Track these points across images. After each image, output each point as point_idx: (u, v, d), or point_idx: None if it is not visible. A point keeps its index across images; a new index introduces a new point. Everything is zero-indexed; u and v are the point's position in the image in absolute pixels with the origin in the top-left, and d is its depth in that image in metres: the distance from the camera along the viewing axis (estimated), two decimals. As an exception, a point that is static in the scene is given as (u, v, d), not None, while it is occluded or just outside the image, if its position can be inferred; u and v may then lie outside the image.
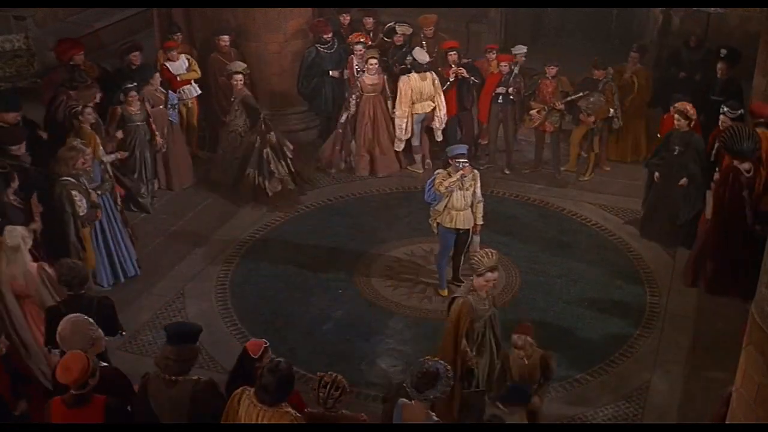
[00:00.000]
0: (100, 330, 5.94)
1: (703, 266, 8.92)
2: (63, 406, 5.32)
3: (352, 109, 11.21)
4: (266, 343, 5.90)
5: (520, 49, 11.23)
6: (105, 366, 5.91)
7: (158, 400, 5.43)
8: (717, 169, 9.00)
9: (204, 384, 5.43)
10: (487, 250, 6.95)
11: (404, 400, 5.42)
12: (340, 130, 11.46)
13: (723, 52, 10.91)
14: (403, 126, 11.18)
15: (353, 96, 11.15)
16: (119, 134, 9.85)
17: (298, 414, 5.26)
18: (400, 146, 11.42)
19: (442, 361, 5.37)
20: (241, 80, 10.73)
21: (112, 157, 9.49)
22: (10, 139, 8.49)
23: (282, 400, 5.23)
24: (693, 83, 11.09)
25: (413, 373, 5.25)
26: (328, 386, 5.29)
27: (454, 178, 8.38)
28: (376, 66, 11.05)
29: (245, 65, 11.02)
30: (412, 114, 11.16)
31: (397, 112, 11.12)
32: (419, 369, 5.24)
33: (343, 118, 11.32)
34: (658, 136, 10.27)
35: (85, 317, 5.97)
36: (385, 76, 11.23)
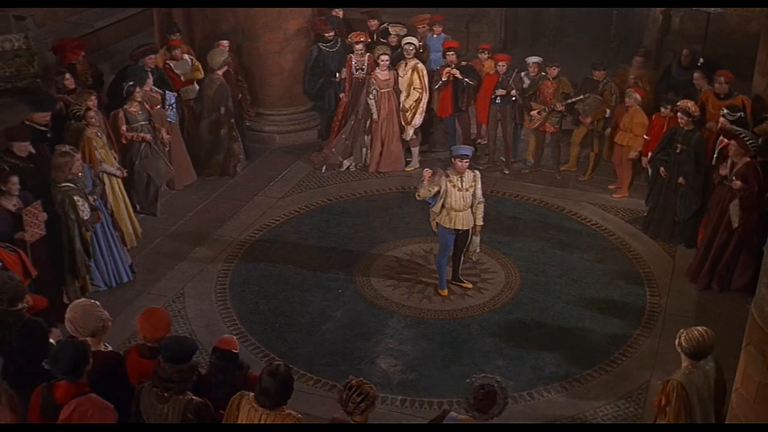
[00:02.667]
0: (106, 312, 5.94)
1: (717, 267, 8.93)
2: (137, 355, 5.83)
3: (375, 114, 11.25)
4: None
5: (533, 59, 11.22)
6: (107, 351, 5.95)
7: (148, 413, 5.36)
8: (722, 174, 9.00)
9: (196, 405, 5.29)
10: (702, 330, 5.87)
11: (455, 414, 5.38)
12: (344, 135, 11.54)
13: (701, 61, 10.75)
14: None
15: (371, 95, 11.16)
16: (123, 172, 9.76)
17: (299, 415, 5.27)
18: (409, 134, 11.48)
19: (490, 375, 5.35)
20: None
21: (111, 169, 9.42)
22: (16, 136, 8.52)
23: (283, 402, 5.23)
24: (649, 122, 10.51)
25: (474, 395, 5.18)
26: (352, 390, 5.17)
27: (424, 182, 8.47)
28: (388, 62, 11.10)
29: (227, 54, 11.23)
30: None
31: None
32: (479, 390, 5.19)
33: (368, 125, 11.37)
34: (645, 137, 10.24)
35: (93, 301, 6.01)
36: (395, 72, 11.27)
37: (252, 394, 5.28)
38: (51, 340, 6.24)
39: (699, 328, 5.87)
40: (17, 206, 7.88)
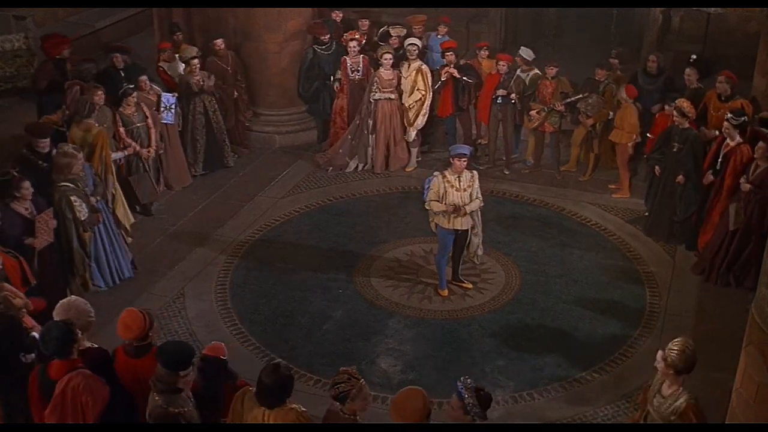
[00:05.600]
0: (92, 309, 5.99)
1: (734, 267, 8.96)
2: (125, 356, 5.78)
3: (372, 114, 11.28)
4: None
5: (526, 53, 11.22)
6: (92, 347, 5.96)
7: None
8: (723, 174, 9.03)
9: (189, 416, 5.28)
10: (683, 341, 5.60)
11: None
12: (350, 136, 11.53)
13: (693, 57, 10.65)
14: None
15: (373, 92, 11.17)
16: (131, 149, 9.89)
17: (303, 409, 5.26)
18: (411, 135, 11.49)
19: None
20: (197, 65, 10.99)
21: (120, 154, 9.52)
22: (38, 132, 8.56)
23: (281, 402, 5.23)
24: (649, 115, 10.58)
25: (474, 395, 5.26)
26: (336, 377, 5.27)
27: (441, 209, 8.40)
28: (391, 61, 11.10)
29: (197, 49, 11.23)
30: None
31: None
32: (483, 394, 5.30)
33: (371, 125, 11.38)
34: (648, 135, 10.27)
35: (84, 300, 6.05)
36: (398, 72, 11.28)
37: (254, 389, 5.30)
38: (34, 333, 6.28)
39: (682, 341, 5.56)
40: (29, 211, 7.89)
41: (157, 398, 5.24)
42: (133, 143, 9.90)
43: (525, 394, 7.60)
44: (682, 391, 5.52)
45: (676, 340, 5.59)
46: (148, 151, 10.12)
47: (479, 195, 8.58)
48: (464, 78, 11.10)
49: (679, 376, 5.51)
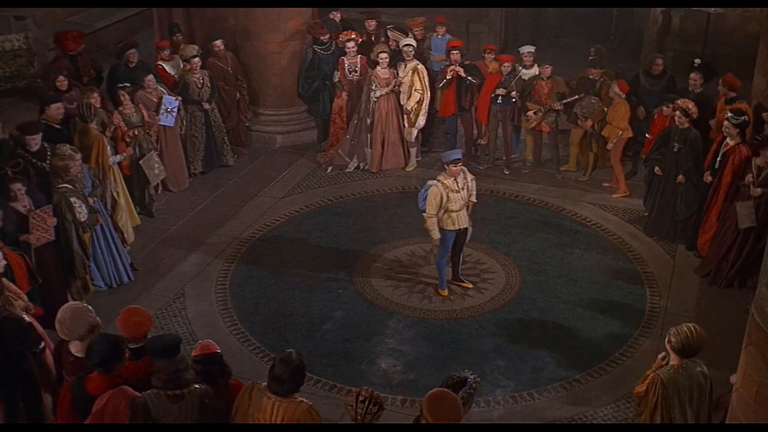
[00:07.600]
0: (97, 318, 5.90)
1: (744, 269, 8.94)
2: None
3: (371, 113, 11.28)
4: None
5: (527, 49, 11.23)
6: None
7: (166, 419, 5.25)
8: (722, 174, 9.02)
9: (206, 390, 5.33)
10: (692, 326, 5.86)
11: None
12: (348, 136, 11.53)
13: (696, 61, 10.60)
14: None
15: (373, 92, 11.17)
16: (129, 151, 9.86)
17: (310, 403, 5.27)
18: (413, 135, 11.50)
19: (473, 374, 5.41)
20: (197, 63, 10.99)
21: (119, 158, 9.52)
22: (27, 129, 8.57)
23: (296, 389, 5.25)
24: (650, 117, 10.53)
25: (445, 381, 5.32)
26: (367, 402, 5.06)
27: (435, 237, 8.51)
28: (387, 59, 11.11)
29: (197, 47, 11.26)
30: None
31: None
32: (451, 375, 5.35)
33: (367, 123, 11.39)
34: (648, 136, 10.27)
35: (85, 304, 6.02)
36: (394, 70, 11.28)
37: (263, 383, 5.29)
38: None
39: (689, 324, 5.89)
40: (27, 207, 7.90)
41: (193, 389, 5.26)
42: (129, 146, 9.88)
43: (525, 394, 7.60)
44: (668, 367, 5.85)
45: (690, 324, 5.89)
46: (140, 132, 10.04)
47: (472, 178, 8.68)
48: (469, 78, 11.10)
49: (675, 353, 5.84)
